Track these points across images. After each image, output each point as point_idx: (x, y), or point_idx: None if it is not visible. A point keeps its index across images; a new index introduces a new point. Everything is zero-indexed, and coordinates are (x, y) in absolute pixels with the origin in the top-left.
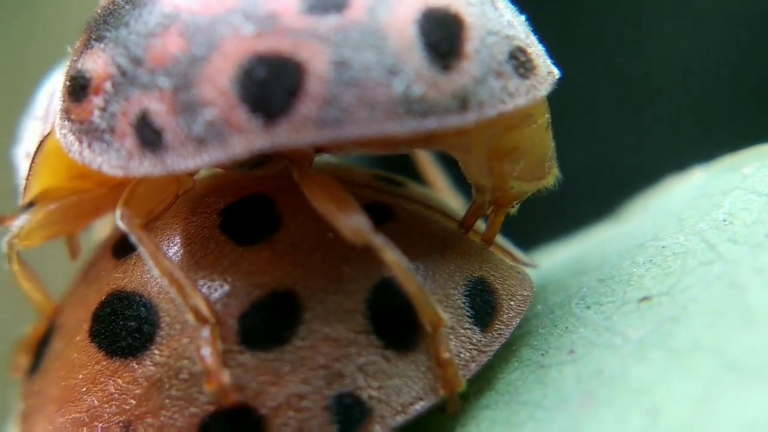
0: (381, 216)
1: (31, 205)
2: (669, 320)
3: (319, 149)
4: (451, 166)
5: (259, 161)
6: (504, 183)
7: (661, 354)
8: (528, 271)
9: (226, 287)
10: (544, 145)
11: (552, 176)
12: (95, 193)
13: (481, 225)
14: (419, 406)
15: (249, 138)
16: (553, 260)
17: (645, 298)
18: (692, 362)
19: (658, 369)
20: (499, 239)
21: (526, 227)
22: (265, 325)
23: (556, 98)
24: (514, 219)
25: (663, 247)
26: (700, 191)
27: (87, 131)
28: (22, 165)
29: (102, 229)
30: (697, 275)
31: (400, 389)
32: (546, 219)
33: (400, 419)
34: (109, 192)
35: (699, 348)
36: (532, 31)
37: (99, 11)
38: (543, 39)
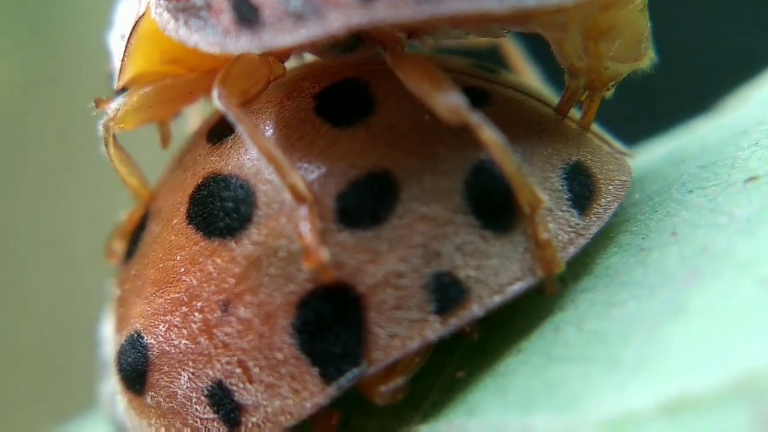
0: (477, 100)
1: (124, 89)
2: None
3: (411, 33)
4: (539, 58)
5: (351, 44)
6: (599, 64)
7: None
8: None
9: (323, 168)
10: (640, 25)
11: (647, 58)
12: (188, 77)
13: (576, 113)
14: (517, 287)
15: (347, 13)
16: (650, 152)
17: (751, 179)
18: None
19: None
20: (595, 127)
21: (622, 126)
22: (362, 203)
23: None
24: (611, 116)
25: None
26: None
27: (183, 9)
28: (117, 48)
29: (191, 122)
30: None
31: (497, 269)
32: (642, 117)
33: (498, 299)
34: (202, 76)
35: None
36: None
37: None
38: None
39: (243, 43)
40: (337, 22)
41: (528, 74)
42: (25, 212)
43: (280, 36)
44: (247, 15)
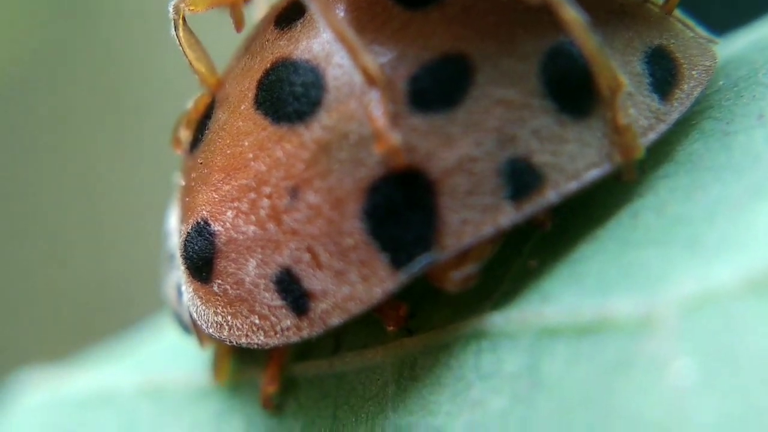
0: None
1: None
2: None
3: None
4: None
5: None
6: None
7: None
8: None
9: (396, 50)
10: None
11: None
12: None
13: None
14: (594, 173)
15: None
16: (733, 41)
17: None
18: None
19: None
20: (678, 13)
21: (707, 15)
22: (435, 87)
23: None
24: (695, 5)
25: None
26: None
27: None
28: None
29: (258, 9)
30: None
31: (574, 155)
32: (727, 7)
33: (574, 185)
34: None
35: None
36: None
37: None
38: None
39: None
40: None
41: None
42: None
43: None
44: None
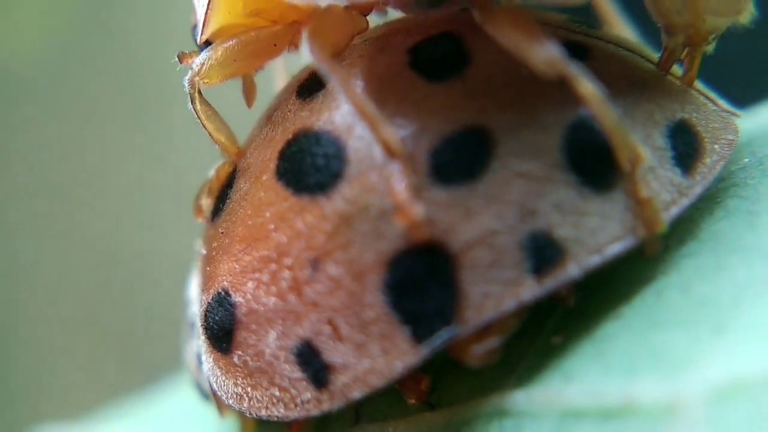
0: (576, 53)
1: (208, 44)
2: None
3: None
4: (634, 15)
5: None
6: (697, 18)
7: None
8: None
9: (417, 123)
10: None
11: (747, 11)
12: (272, 29)
13: (678, 71)
14: (616, 247)
15: None
16: (756, 113)
17: None
18: None
19: None
20: (699, 85)
21: (728, 88)
22: (456, 159)
23: None
24: (715, 77)
25: None
26: None
27: None
28: (200, 1)
29: (278, 77)
30: None
31: (596, 229)
32: (749, 79)
33: (596, 260)
34: (285, 29)
35: None
36: None
37: None
38: None
39: None
40: None
41: (624, 31)
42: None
43: None
44: None
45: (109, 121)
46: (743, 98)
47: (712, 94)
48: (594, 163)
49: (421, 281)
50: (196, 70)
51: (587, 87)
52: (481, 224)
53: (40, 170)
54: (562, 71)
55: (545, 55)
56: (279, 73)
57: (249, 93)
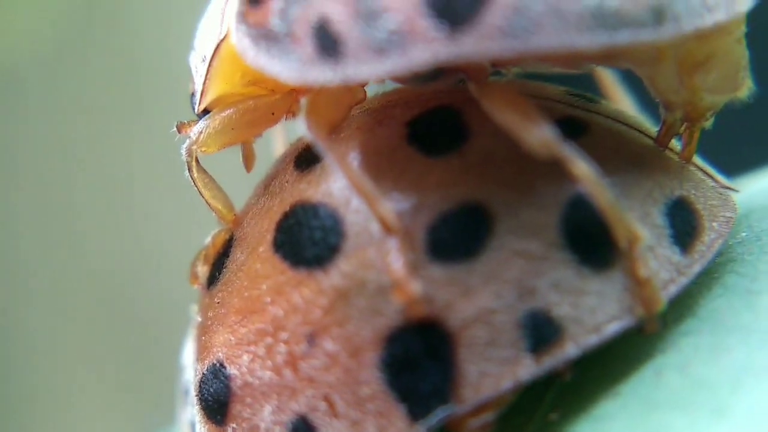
0: (574, 130)
1: (206, 112)
2: None
3: (497, 64)
4: (633, 86)
5: (434, 74)
6: (695, 96)
7: None
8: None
9: (415, 198)
10: (738, 55)
11: (745, 87)
12: (270, 98)
13: (676, 145)
14: (615, 326)
15: (433, 47)
16: (754, 187)
17: None
18: None
19: None
20: (698, 160)
21: (723, 156)
22: (455, 236)
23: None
24: (711, 146)
25: None
26: None
27: (264, 36)
28: (198, 70)
29: (276, 143)
30: None
31: (594, 308)
32: (744, 147)
33: (595, 339)
34: (284, 97)
35: None
36: None
37: None
38: None
39: (324, 75)
40: (422, 56)
41: (623, 102)
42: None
43: (362, 68)
44: (329, 46)
45: (108, 118)
46: (743, 164)
47: (711, 169)
48: (592, 242)
49: (418, 359)
50: (194, 139)
51: (581, 168)
52: (479, 303)
53: (40, 168)
54: (556, 153)
55: (539, 136)
56: (278, 138)
57: (248, 159)
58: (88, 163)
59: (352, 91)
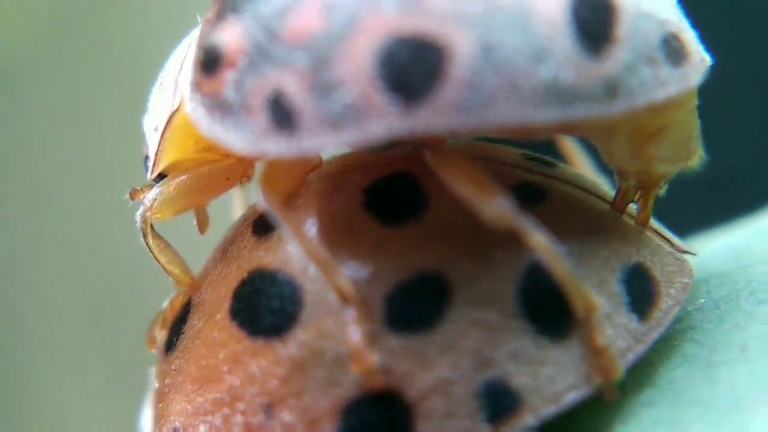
0: (532, 197)
1: (161, 176)
2: None
3: (454, 134)
4: (591, 147)
5: (390, 144)
6: (648, 166)
7: None
8: (688, 259)
9: (372, 268)
10: (691, 126)
11: (697, 156)
12: (225, 163)
13: (632, 208)
14: (573, 396)
15: (387, 121)
16: (712, 249)
17: None
18: None
19: None
20: (655, 224)
21: (681, 214)
22: (412, 307)
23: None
24: (669, 205)
25: None
26: None
27: (218, 106)
28: (151, 138)
29: (236, 203)
30: None
31: (552, 377)
32: (701, 205)
33: (553, 409)
34: (239, 162)
35: None
36: (685, 13)
37: None
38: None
39: (279, 147)
40: (377, 130)
41: (581, 163)
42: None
43: (316, 141)
44: (283, 118)
45: (99, 115)
46: (699, 223)
47: (668, 233)
48: (549, 311)
49: (375, 430)
50: (148, 205)
51: (537, 240)
52: (436, 373)
53: (30, 165)
54: (512, 225)
55: (495, 208)
56: (237, 198)
57: (202, 223)
58: (78, 162)
59: (308, 159)
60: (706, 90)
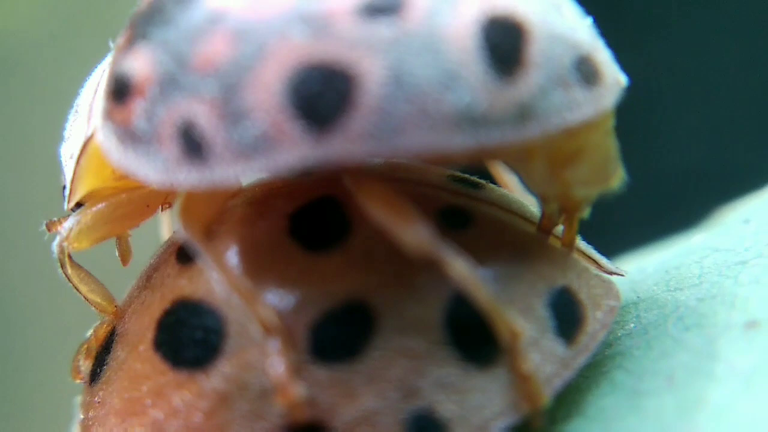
0: (458, 221)
1: (79, 205)
2: None
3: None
4: None
5: (306, 171)
6: (567, 189)
7: None
8: (618, 282)
9: (297, 296)
10: (607, 148)
11: (617, 178)
12: (144, 191)
13: (559, 230)
14: (500, 423)
15: (299, 150)
16: (641, 270)
17: (751, 323)
18: None
19: None
20: (582, 245)
21: (611, 233)
22: (338, 336)
23: (637, 99)
24: (598, 225)
25: None
26: None
27: (129, 136)
28: (67, 166)
29: (163, 229)
30: None
31: (479, 405)
32: (633, 225)
33: None
34: (157, 189)
35: None
36: (599, 35)
37: (144, 8)
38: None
39: (191, 177)
40: (289, 159)
41: (510, 183)
42: None
43: (228, 171)
44: (194, 148)
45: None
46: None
47: (595, 254)
48: (476, 339)
49: None
50: (65, 235)
51: (457, 269)
52: (362, 404)
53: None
54: (432, 254)
55: (414, 236)
56: (164, 221)
57: (123, 254)
58: None
59: (226, 186)
60: (633, 109)
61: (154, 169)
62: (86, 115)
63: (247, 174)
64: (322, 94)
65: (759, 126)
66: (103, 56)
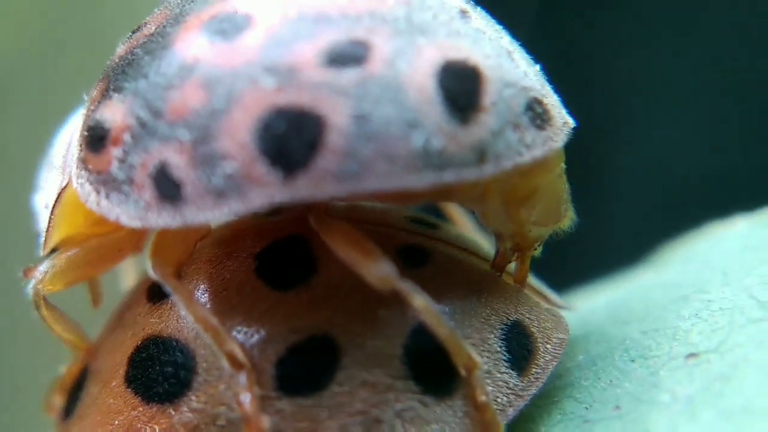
0: (417, 259)
1: (53, 250)
2: (719, 379)
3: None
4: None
5: (275, 211)
6: (522, 228)
7: (712, 414)
8: (568, 315)
9: (263, 332)
10: (559, 189)
11: (568, 219)
12: (115, 235)
13: (512, 267)
14: None
15: (268, 191)
16: (591, 305)
17: (692, 355)
18: (744, 424)
19: (709, 430)
20: (534, 281)
21: (561, 269)
22: (302, 370)
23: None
24: (549, 261)
25: (709, 301)
26: (744, 243)
27: (105, 182)
28: (42, 215)
29: (128, 275)
30: (747, 333)
31: None
32: (581, 261)
33: None
34: (129, 234)
35: (751, 411)
36: (547, 80)
37: (117, 60)
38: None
39: (165, 219)
40: (258, 199)
41: (463, 223)
42: None
43: (201, 213)
44: (168, 191)
45: None
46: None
47: (545, 289)
48: (434, 371)
49: None
50: (39, 278)
51: (419, 302)
52: None
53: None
54: (395, 288)
55: (379, 273)
56: (128, 269)
57: (95, 297)
58: None
59: (196, 228)
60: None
61: (129, 212)
62: (60, 166)
63: (219, 216)
64: (289, 138)
65: (700, 162)
66: (87, 79)
